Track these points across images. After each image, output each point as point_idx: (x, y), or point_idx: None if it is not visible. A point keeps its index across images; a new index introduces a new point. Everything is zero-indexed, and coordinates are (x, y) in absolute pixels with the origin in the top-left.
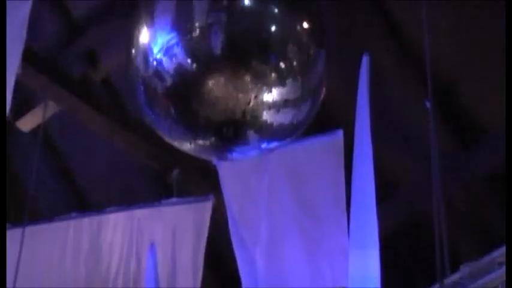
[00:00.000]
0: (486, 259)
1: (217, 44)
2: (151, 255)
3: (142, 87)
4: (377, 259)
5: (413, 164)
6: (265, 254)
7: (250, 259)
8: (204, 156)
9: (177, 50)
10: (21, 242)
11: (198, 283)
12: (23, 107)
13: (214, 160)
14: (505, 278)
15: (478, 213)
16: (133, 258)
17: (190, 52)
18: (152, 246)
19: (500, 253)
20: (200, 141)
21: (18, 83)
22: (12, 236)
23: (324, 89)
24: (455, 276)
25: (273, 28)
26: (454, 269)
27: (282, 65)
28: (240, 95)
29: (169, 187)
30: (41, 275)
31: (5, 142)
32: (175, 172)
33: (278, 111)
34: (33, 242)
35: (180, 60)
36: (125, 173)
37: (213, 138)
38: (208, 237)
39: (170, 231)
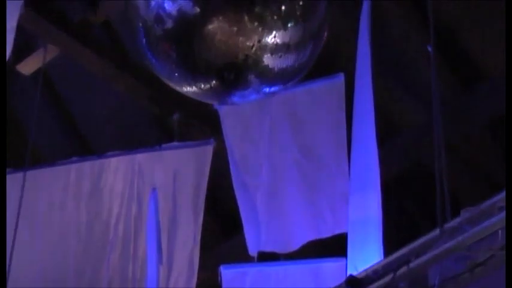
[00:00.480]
0: (486, 204)
1: None
2: (152, 201)
3: (142, 31)
4: (378, 203)
5: (414, 109)
6: (266, 198)
7: (251, 203)
8: (205, 100)
9: None
10: (23, 186)
11: (199, 227)
12: (23, 50)
13: (215, 104)
14: (505, 223)
15: (479, 158)
16: (134, 202)
17: None
18: (154, 191)
19: (500, 198)
20: (201, 85)
21: (18, 27)
22: (14, 180)
23: (325, 33)
24: (455, 221)
25: None
26: (455, 214)
27: (285, 8)
28: (243, 39)
29: (170, 131)
30: (42, 219)
31: (5, 87)
32: (176, 116)
33: (280, 56)
34: (34, 186)
35: (182, 3)
36: (126, 117)
37: (214, 82)
38: (209, 182)
39: (171, 175)
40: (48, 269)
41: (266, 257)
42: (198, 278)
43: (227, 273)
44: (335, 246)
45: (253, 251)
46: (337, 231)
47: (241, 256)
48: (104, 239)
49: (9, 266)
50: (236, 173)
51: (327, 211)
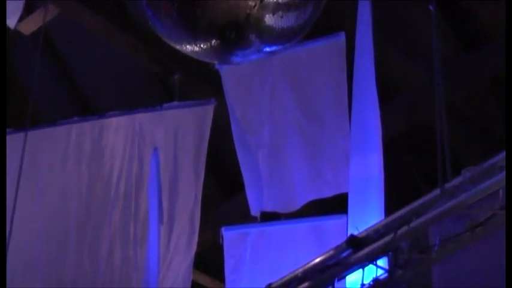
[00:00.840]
0: (487, 164)
1: None
2: (154, 160)
3: None
4: (379, 163)
5: (415, 69)
6: (267, 158)
7: (253, 163)
8: (206, 59)
9: None
10: (23, 147)
11: (200, 187)
12: (23, 10)
13: (216, 64)
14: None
15: (479, 118)
16: (135, 161)
17: None
18: (155, 151)
19: (501, 158)
20: (202, 44)
21: None
22: (15, 140)
23: None
24: (456, 181)
25: None
26: (455, 174)
27: None
28: None
29: (170, 91)
30: (43, 179)
31: (5, 47)
32: (177, 76)
33: (281, 15)
34: (35, 147)
35: None
36: (127, 77)
37: (215, 41)
38: (210, 143)
39: (172, 135)
40: (50, 228)
41: (267, 217)
42: (199, 238)
43: (228, 234)
44: (336, 205)
45: (255, 211)
46: (338, 192)
47: (242, 217)
48: (105, 198)
49: (11, 226)
50: (237, 133)
51: (328, 171)
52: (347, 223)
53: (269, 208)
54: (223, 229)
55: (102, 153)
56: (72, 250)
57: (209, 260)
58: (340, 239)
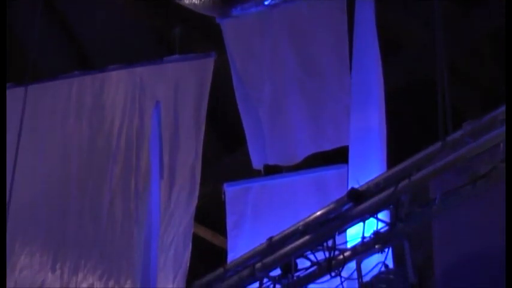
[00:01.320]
0: (488, 117)
1: None
2: (156, 114)
3: None
4: (380, 118)
5: (416, 24)
6: (269, 112)
7: (254, 117)
8: (206, 12)
9: None
10: (24, 101)
11: (200, 141)
12: None
13: (216, 18)
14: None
15: (481, 72)
16: (136, 115)
17: None
18: (157, 104)
19: (502, 111)
20: None
21: None
22: (15, 95)
23: None
24: (457, 134)
25: None
26: (456, 128)
27: None
28: None
29: (171, 45)
30: (44, 134)
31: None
32: (178, 30)
33: None
34: (36, 101)
35: None
36: (127, 31)
37: None
38: (211, 97)
39: (172, 89)
40: (51, 182)
41: (269, 172)
42: (200, 192)
43: (230, 190)
44: (337, 157)
45: (257, 165)
46: (339, 145)
47: (243, 171)
48: (106, 153)
49: (12, 181)
50: (239, 87)
51: (329, 125)
52: (347, 173)
53: (271, 161)
54: (225, 185)
55: (102, 108)
56: (73, 204)
57: (210, 214)
58: (341, 190)
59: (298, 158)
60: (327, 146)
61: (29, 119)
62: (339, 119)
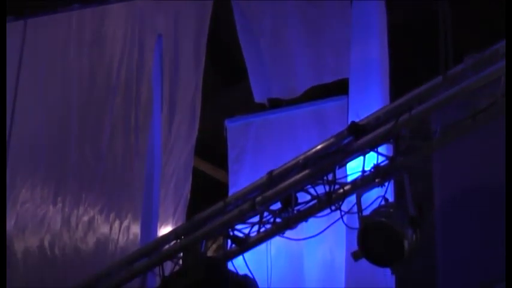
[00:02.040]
0: (490, 50)
1: None
2: (157, 47)
3: None
4: (381, 49)
5: None
6: (270, 44)
7: (255, 49)
8: None
9: None
10: (24, 35)
11: (200, 74)
12: None
13: None
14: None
15: (481, 6)
16: (136, 47)
17: None
18: (159, 37)
19: (503, 45)
20: None
21: None
22: (14, 29)
23: None
24: (458, 68)
25: None
26: (458, 62)
27: None
28: None
29: None
30: (45, 67)
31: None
32: None
33: None
34: (35, 36)
35: None
36: None
37: None
38: (211, 30)
39: (172, 20)
40: (51, 116)
41: (269, 106)
42: (200, 126)
43: (232, 125)
44: (337, 90)
45: (259, 98)
46: (340, 77)
47: (243, 105)
48: (106, 85)
49: (12, 114)
50: (239, 18)
51: (329, 57)
52: (348, 105)
53: (272, 95)
54: (226, 121)
55: (103, 41)
56: (74, 138)
57: (211, 148)
58: (342, 123)
59: (299, 91)
60: (328, 78)
61: (28, 52)
62: (339, 50)
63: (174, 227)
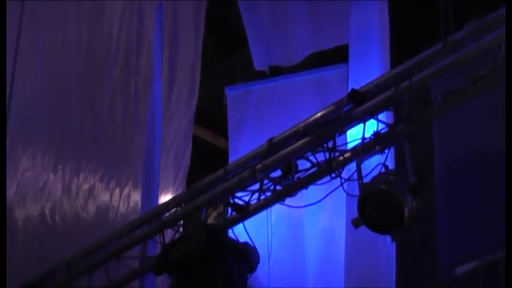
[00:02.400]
0: (490, 17)
1: None
2: (157, 15)
3: None
4: (381, 16)
5: None
6: (269, 11)
7: (255, 15)
8: None
9: None
10: (23, 5)
11: (200, 42)
12: None
13: None
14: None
15: None
16: (135, 16)
17: None
18: (159, 6)
19: (503, 12)
20: None
21: None
22: (13, 3)
23: None
24: (458, 35)
25: None
26: (458, 28)
27: None
28: None
29: None
30: (45, 37)
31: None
32: None
33: None
34: (34, 5)
35: None
36: None
37: None
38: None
39: None
40: (51, 85)
41: (269, 74)
42: (200, 94)
43: (232, 93)
44: (337, 58)
45: (258, 66)
46: (340, 43)
47: (242, 73)
48: (105, 53)
49: (12, 82)
50: None
51: (329, 23)
52: (348, 74)
53: (273, 62)
54: (226, 89)
55: (102, 9)
56: (74, 105)
57: (212, 116)
58: (342, 91)
59: (299, 58)
60: (328, 45)
61: (27, 22)
62: (339, 16)
63: (174, 195)
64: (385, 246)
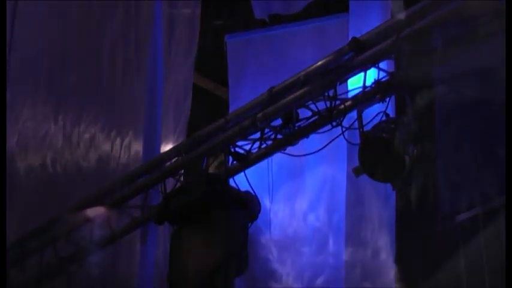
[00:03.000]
0: None
1: None
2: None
3: None
4: None
5: None
6: None
7: None
8: None
9: None
10: None
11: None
12: None
13: None
14: None
15: None
16: None
17: None
18: None
19: None
20: None
21: None
22: None
23: None
24: None
25: None
26: None
27: None
28: None
29: None
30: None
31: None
32: None
33: None
34: None
35: None
36: None
37: None
38: None
39: None
40: (50, 33)
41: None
42: (201, 44)
43: (232, 42)
44: (338, 7)
45: (259, 14)
46: None
47: (243, 22)
48: (105, 2)
49: (12, 33)
50: None
51: None
52: (348, 23)
53: (273, 10)
54: (226, 37)
55: None
56: (74, 54)
57: (212, 65)
58: (342, 40)
59: (299, 6)
60: None
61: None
62: None
63: (175, 144)
64: (386, 195)
